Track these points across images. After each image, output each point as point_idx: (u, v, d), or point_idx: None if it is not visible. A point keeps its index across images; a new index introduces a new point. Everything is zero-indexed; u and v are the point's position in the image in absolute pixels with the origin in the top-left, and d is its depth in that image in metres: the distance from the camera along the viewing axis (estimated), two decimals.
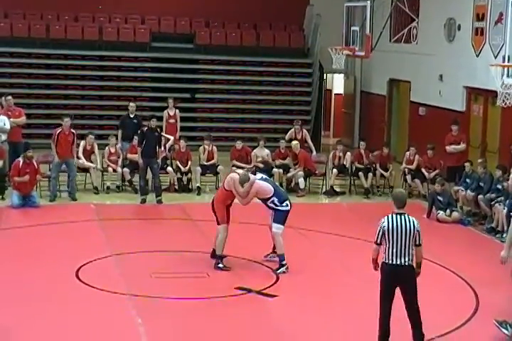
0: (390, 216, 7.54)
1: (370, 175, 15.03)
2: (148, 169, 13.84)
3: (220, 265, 10.00)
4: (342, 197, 15.06)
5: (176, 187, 14.78)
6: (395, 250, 7.44)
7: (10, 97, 14.93)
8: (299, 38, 20.77)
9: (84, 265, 9.93)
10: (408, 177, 14.85)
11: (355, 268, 10.28)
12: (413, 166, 14.95)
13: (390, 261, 7.47)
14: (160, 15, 20.37)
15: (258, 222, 11.68)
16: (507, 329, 7.77)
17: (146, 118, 14.12)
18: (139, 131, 14.07)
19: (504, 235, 11.92)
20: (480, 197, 12.83)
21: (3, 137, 14.12)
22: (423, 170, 14.72)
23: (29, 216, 12.67)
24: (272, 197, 9.98)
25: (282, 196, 10.13)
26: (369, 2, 15.67)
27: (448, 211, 13.03)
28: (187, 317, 8.40)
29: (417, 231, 7.51)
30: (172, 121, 16.27)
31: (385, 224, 7.49)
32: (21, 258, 10.32)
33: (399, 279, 7.51)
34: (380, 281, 7.61)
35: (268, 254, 10.36)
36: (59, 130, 13.82)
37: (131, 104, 15.62)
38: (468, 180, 13.39)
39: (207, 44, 20.24)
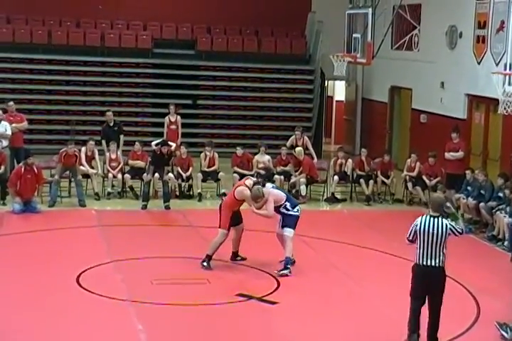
0: (423, 217, 7.75)
1: (371, 182, 15.03)
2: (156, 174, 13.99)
3: (205, 263, 10.16)
4: (343, 204, 15.06)
5: (177, 193, 14.79)
6: (425, 251, 7.64)
7: (12, 103, 14.99)
8: (301, 45, 20.80)
9: (85, 271, 9.92)
10: (409, 184, 14.85)
11: (357, 275, 10.28)
12: (414, 173, 14.94)
13: (421, 262, 7.66)
14: (162, 21, 20.41)
15: (261, 229, 11.71)
16: (507, 332, 7.81)
17: (165, 144, 14.16)
18: (151, 152, 14.22)
19: (505, 243, 11.94)
20: (481, 205, 12.83)
21: (5, 143, 14.14)
22: (424, 177, 14.72)
23: (30, 222, 12.66)
24: (284, 202, 10.14)
25: (293, 201, 10.36)
26: (371, 9, 15.71)
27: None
28: (188, 324, 8.38)
29: (450, 230, 7.69)
30: (173, 127, 16.31)
31: (418, 223, 7.72)
32: (22, 264, 10.31)
33: (429, 280, 7.68)
34: (411, 281, 7.78)
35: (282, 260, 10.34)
36: (64, 153, 13.89)
37: (108, 113, 15.71)
38: (469, 188, 13.39)
39: (208, 50, 20.28)
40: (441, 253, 7.65)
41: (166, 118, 16.44)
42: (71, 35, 19.61)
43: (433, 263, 7.63)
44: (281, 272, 10.01)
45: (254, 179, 10.41)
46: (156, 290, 9.42)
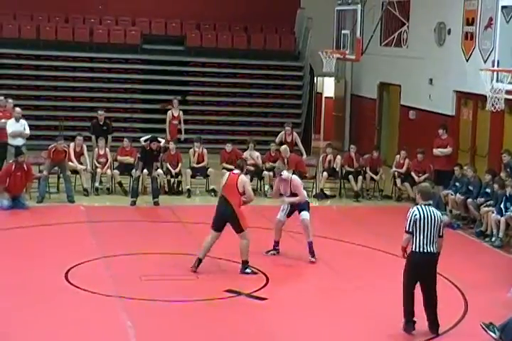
0: (419, 207, 8.03)
1: (360, 178, 15.06)
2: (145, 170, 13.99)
3: (248, 270, 9.91)
4: (332, 200, 15.09)
5: (166, 189, 14.78)
6: (424, 239, 7.91)
7: (11, 101, 15.14)
8: (290, 41, 20.80)
9: (73, 267, 9.90)
10: (398, 180, 14.90)
11: (345, 271, 10.31)
12: (403, 170, 14.99)
13: (421, 249, 7.91)
14: (151, 17, 20.36)
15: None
16: (494, 332, 7.83)
17: (154, 140, 14.17)
18: (140, 148, 14.25)
19: (493, 239, 12.00)
20: (469, 200, 12.89)
21: (22, 141, 14.22)
22: (413, 173, 14.76)
23: (18, 218, 12.62)
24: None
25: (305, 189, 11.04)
26: (360, 6, 15.73)
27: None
28: (176, 320, 8.39)
29: (442, 222, 8.04)
30: (175, 122, 16.42)
31: (417, 213, 7.96)
32: (10, 260, 10.29)
33: (427, 267, 7.97)
34: (405, 270, 8.04)
35: (269, 251, 10.70)
36: (53, 149, 13.88)
37: (100, 112, 15.78)
38: (457, 184, 13.45)
39: (198, 46, 20.26)
40: (436, 240, 7.96)
41: (169, 112, 16.55)
42: (59, 31, 19.55)
43: (431, 250, 7.93)
44: (315, 257, 10.44)
45: (238, 170, 10.08)
46: (145, 287, 9.42)
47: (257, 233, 11.50)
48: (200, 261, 9.89)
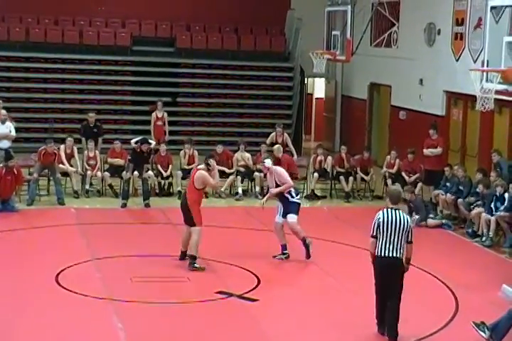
0: (384, 210, 7.84)
1: (351, 179, 15.07)
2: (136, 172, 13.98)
3: (196, 265, 10.04)
4: (323, 201, 15.10)
5: (157, 191, 14.76)
6: (387, 243, 7.73)
7: (0, 101, 15.06)
8: (280, 42, 20.80)
9: (64, 270, 9.87)
10: (389, 181, 14.90)
11: (337, 272, 10.31)
12: (394, 170, 15.01)
13: (382, 254, 7.74)
14: (141, 18, 20.34)
15: (239, 227, 11.67)
16: (484, 332, 7.84)
17: (145, 142, 14.11)
18: (131, 150, 14.24)
19: (483, 238, 12.02)
20: (459, 200, 12.92)
21: (8, 144, 14.15)
22: (403, 173, 14.78)
23: (8, 221, 12.57)
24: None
25: (296, 189, 10.74)
26: (350, 7, 15.77)
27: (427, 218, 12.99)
28: (168, 322, 8.37)
29: (410, 227, 7.80)
30: (159, 123, 16.38)
31: (380, 216, 7.78)
32: (0, 262, 10.24)
33: (389, 271, 7.76)
34: (373, 274, 7.91)
35: (276, 255, 10.60)
36: (43, 151, 13.83)
37: (91, 114, 15.72)
38: (448, 184, 13.48)
39: (188, 48, 20.24)
40: (402, 246, 7.75)
41: (153, 114, 16.50)
42: (49, 33, 19.49)
43: (394, 255, 7.73)
44: (310, 252, 10.46)
45: (202, 165, 10.25)
46: (136, 289, 9.40)
47: (248, 235, 11.51)
48: (182, 253, 10.25)
